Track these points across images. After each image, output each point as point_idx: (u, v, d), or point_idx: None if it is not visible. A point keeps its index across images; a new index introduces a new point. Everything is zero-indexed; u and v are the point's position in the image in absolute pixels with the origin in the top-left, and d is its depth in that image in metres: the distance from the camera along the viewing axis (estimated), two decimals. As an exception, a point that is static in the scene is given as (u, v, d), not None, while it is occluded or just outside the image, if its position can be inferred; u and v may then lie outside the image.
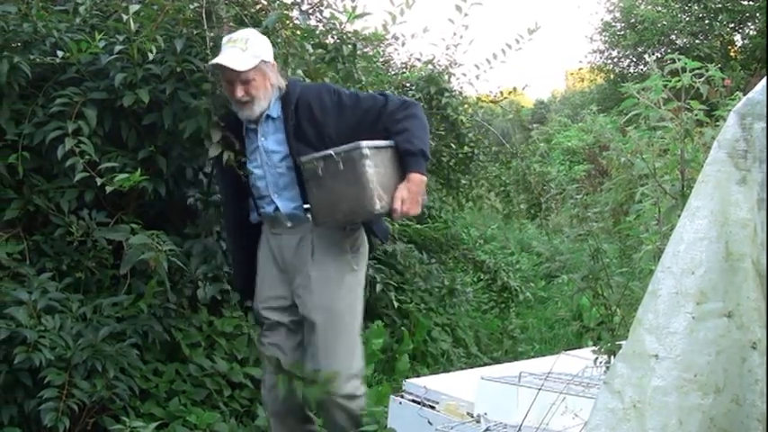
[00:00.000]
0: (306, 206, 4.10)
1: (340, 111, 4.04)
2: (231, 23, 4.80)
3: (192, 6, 4.66)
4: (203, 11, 4.60)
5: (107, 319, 4.53)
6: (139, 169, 4.22)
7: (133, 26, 4.44)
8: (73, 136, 4.34)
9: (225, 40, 4.11)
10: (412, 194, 3.91)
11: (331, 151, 3.87)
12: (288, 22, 5.37)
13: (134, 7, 4.49)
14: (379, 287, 6.31)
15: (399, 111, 4.00)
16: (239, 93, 4.02)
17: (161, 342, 4.82)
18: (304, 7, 5.67)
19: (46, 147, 4.46)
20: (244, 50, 3.99)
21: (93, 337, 4.38)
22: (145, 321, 4.61)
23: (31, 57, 4.53)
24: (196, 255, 4.92)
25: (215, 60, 4.02)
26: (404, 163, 3.95)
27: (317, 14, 5.79)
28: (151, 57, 4.42)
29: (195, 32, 4.66)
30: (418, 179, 3.93)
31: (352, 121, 4.03)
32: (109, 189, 4.18)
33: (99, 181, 4.22)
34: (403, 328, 6.84)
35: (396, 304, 6.66)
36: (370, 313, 6.74)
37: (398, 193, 3.88)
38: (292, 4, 5.56)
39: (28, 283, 4.47)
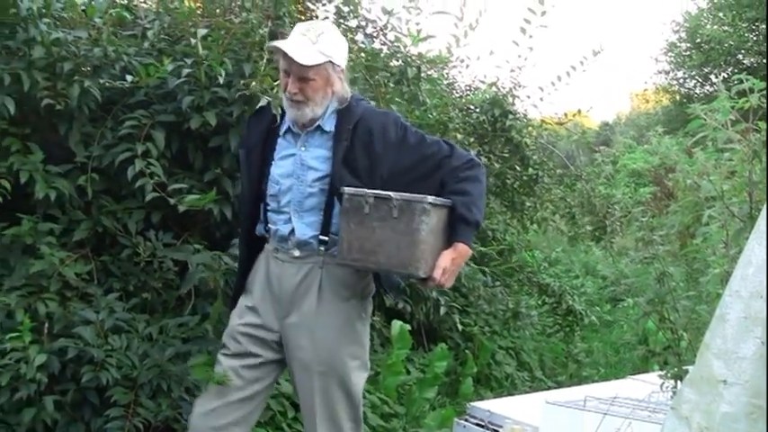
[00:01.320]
0: (323, 237, 3.62)
1: (401, 148, 3.56)
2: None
3: (259, 30, 4.70)
4: (270, 33, 4.64)
5: (173, 339, 4.56)
6: (214, 190, 4.27)
7: (201, 50, 4.50)
8: (142, 158, 4.41)
9: (297, 26, 3.64)
10: (455, 266, 3.46)
11: (392, 194, 3.36)
12: (353, 45, 5.40)
13: (202, 31, 4.56)
14: (443, 310, 6.29)
15: (463, 168, 3.54)
16: (293, 88, 3.53)
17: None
18: (368, 30, 5.68)
19: (115, 168, 4.52)
20: (314, 43, 3.49)
21: (159, 356, 4.41)
22: (210, 342, 4.63)
23: (101, 80, 4.60)
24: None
25: (276, 43, 3.59)
26: (455, 229, 3.47)
27: (382, 38, 5.80)
28: (220, 80, 4.46)
29: (263, 56, 4.70)
30: (465, 252, 3.49)
31: (408, 163, 3.56)
32: (182, 209, 4.24)
33: (172, 201, 4.28)
34: (467, 351, 6.82)
35: (460, 327, 6.64)
36: (434, 336, 6.73)
37: (442, 262, 3.41)
38: (357, 27, 5.59)
39: (95, 303, 4.54)
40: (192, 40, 4.55)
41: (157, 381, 4.37)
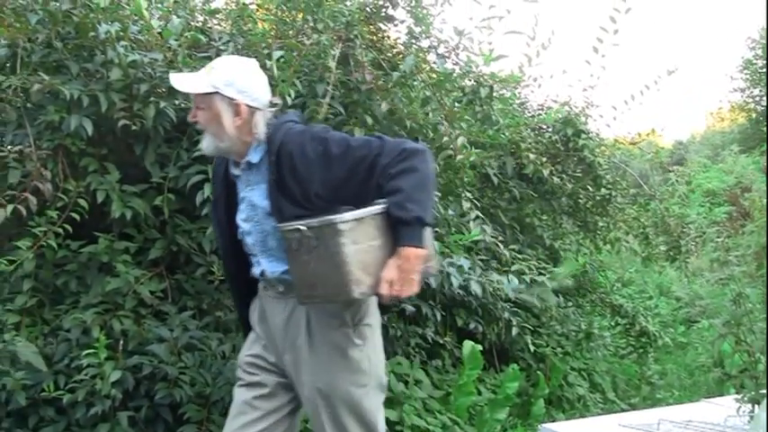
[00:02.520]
0: None
1: (326, 163, 3.24)
2: (369, 67, 4.88)
3: (331, 52, 4.73)
4: (344, 55, 4.68)
5: (245, 357, 4.59)
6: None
7: (276, 72, 4.54)
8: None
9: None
10: (403, 274, 3.11)
11: (300, 225, 3.13)
12: (424, 65, 5.42)
13: (277, 53, 4.61)
14: (514, 330, 6.25)
15: (394, 163, 3.15)
16: (191, 115, 3.43)
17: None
18: (440, 50, 5.69)
19: (189, 189, 4.58)
20: (207, 74, 3.36)
21: (232, 375, 4.44)
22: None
23: (176, 102, 4.70)
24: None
25: (171, 77, 3.51)
26: (397, 233, 3.14)
27: (454, 57, 5.80)
28: (290, 101, 4.50)
29: (336, 76, 4.74)
30: (412, 255, 3.11)
31: (341, 174, 3.21)
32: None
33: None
34: (539, 372, 6.76)
35: (532, 348, 6.58)
36: (505, 356, 6.70)
37: (386, 274, 3.11)
38: (429, 47, 5.61)
39: (169, 320, 4.62)
40: (267, 62, 4.60)
41: (230, 398, 4.39)
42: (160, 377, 4.35)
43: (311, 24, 5.03)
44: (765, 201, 5.52)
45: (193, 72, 3.44)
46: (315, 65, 4.83)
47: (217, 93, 3.32)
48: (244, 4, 5.40)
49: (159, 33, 4.85)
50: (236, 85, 3.33)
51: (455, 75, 5.73)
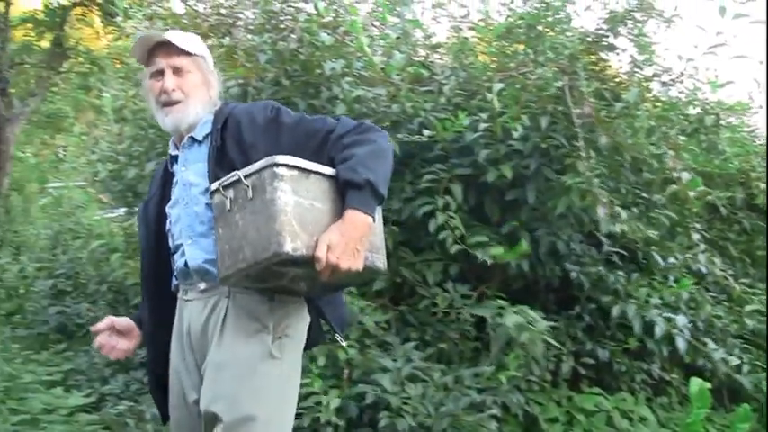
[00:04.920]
0: None
1: (274, 130, 2.88)
2: (592, 99, 4.81)
3: (554, 84, 4.70)
4: (566, 87, 4.64)
5: (468, 389, 4.59)
6: (523, 241, 4.31)
7: (497, 104, 4.55)
8: (442, 211, 4.50)
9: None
10: (346, 240, 2.61)
11: (238, 173, 2.70)
12: (648, 95, 5.30)
13: (498, 86, 4.62)
14: (746, 368, 5.99)
15: (350, 134, 2.81)
16: (169, 82, 2.96)
17: (520, 415, 4.82)
18: (664, 79, 5.54)
19: (414, 221, 4.65)
20: (183, 37, 3.03)
21: (454, 406, 4.45)
22: (505, 393, 4.62)
23: (399, 135, 4.78)
24: (560, 328, 4.91)
25: (141, 35, 3.04)
26: (345, 199, 2.69)
27: (678, 85, 5.64)
28: (516, 134, 4.50)
29: (558, 109, 4.70)
30: (358, 220, 2.65)
31: (288, 144, 2.82)
32: (482, 258, 4.29)
33: (479, 256, 4.36)
34: (774, 413, 6.44)
35: (766, 387, 6.28)
36: (736, 395, 6.42)
37: (325, 236, 2.60)
38: (653, 75, 5.48)
39: (393, 351, 4.67)
40: (488, 95, 4.62)
41: (452, 430, 4.41)
42: (383, 406, 4.39)
43: (532, 57, 5.01)
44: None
45: (170, 33, 3.02)
46: (538, 97, 4.80)
47: (202, 57, 3.05)
48: (465, 38, 5.44)
49: (382, 69, 4.95)
50: (208, 58, 3.11)
51: (680, 103, 5.57)
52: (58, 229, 8.89)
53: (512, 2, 5.45)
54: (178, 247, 2.98)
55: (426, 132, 4.70)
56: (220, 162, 2.86)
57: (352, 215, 2.64)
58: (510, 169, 4.59)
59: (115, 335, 3.14)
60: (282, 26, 5.26)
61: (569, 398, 5.18)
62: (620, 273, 5.17)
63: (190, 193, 2.95)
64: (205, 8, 5.93)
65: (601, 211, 4.47)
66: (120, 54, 7.77)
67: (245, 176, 2.66)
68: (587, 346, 5.10)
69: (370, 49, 4.92)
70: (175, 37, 2.98)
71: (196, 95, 2.99)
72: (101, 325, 3.12)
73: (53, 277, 7.50)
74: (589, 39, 5.24)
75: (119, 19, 6.23)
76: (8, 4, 15.31)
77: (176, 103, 2.96)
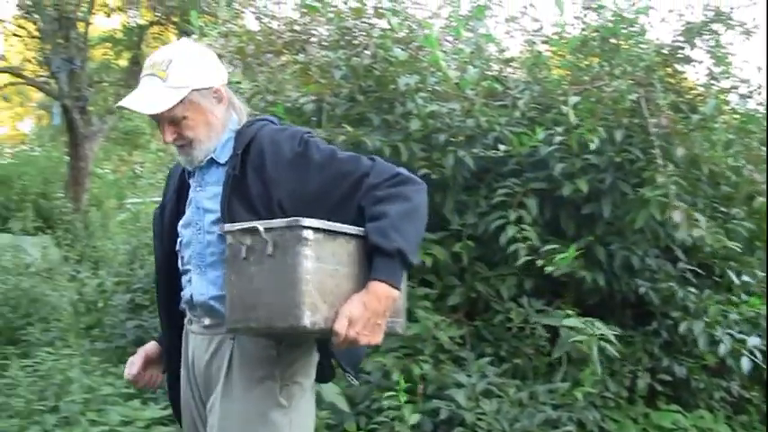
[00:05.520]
0: None
1: (302, 166, 2.64)
2: (669, 111, 4.76)
3: (630, 96, 4.66)
4: (642, 100, 4.59)
5: (543, 405, 4.56)
6: (572, 247, 4.28)
7: (572, 118, 4.53)
8: (515, 224, 4.49)
9: (145, 63, 2.82)
10: (368, 314, 2.44)
11: (258, 224, 2.48)
12: (726, 107, 5.23)
13: (573, 99, 4.60)
14: None
15: (384, 186, 2.57)
16: (168, 136, 2.73)
17: (596, 432, 4.78)
18: (742, 91, 5.46)
19: (488, 235, 4.64)
20: (164, 80, 2.69)
21: (529, 422, 4.43)
22: (580, 410, 4.58)
23: (474, 150, 4.79)
24: (636, 344, 4.85)
25: (122, 103, 2.78)
26: (372, 264, 2.50)
27: (757, 96, 5.55)
28: (592, 147, 4.47)
29: (634, 122, 4.66)
30: (384, 293, 2.46)
31: (315, 186, 2.61)
32: (552, 271, 4.30)
33: (539, 262, 4.34)
34: None
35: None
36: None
37: (346, 308, 2.42)
38: (731, 88, 5.40)
39: (467, 366, 4.66)
40: (563, 108, 4.60)
41: (530, 447, 4.39)
42: (458, 422, 4.38)
43: (607, 69, 4.98)
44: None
45: (149, 88, 2.73)
46: (613, 110, 4.76)
47: (191, 91, 2.70)
48: (538, 51, 5.42)
49: (456, 84, 4.96)
50: (200, 69, 2.75)
51: (759, 115, 5.48)
52: (135, 243, 9.00)
53: (585, 15, 5.42)
54: (186, 271, 2.82)
55: (501, 147, 4.69)
56: (238, 192, 2.67)
57: (377, 288, 2.46)
58: (585, 183, 4.56)
59: (150, 366, 2.99)
60: (356, 42, 5.29)
61: (646, 415, 5.11)
62: (692, 289, 5.08)
63: (203, 219, 2.77)
64: (279, 25, 5.99)
65: (678, 216, 4.40)
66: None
67: (266, 230, 2.45)
68: (664, 363, 5.03)
69: (444, 64, 4.93)
70: (156, 102, 2.67)
71: (199, 134, 2.73)
72: (134, 368, 2.95)
73: (131, 291, 7.58)
74: (665, 51, 5.19)
75: (194, 37, 6.33)
76: (87, 24, 15.67)
77: (183, 146, 2.74)
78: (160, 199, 3.07)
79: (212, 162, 2.77)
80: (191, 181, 2.84)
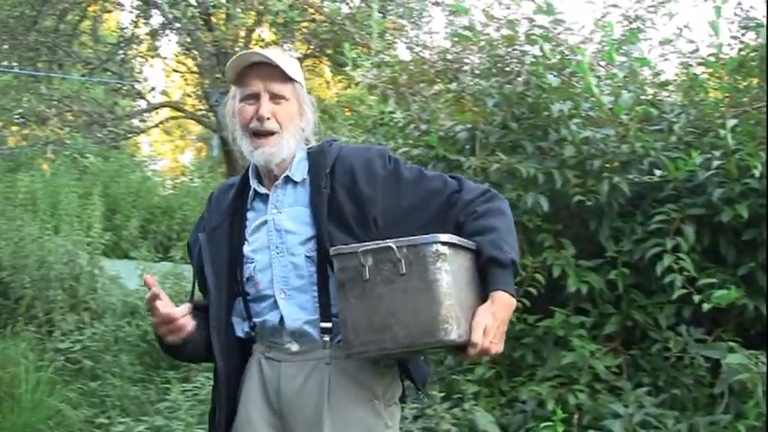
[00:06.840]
0: (324, 324, 2.65)
1: (394, 184, 2.66)
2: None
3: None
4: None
5: (703, 438, 4.44)
6: (735, 286, 4.16)
7: (731, 141, 4.42)
8: (671, 252, 4.41)
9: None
10: (498, 323, 2.47)
11: (391, 243, 2.43)
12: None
13: (731, 122, 4.50)
14: None
15: (480, 202, 2.63)
16: (265, 109, 2.65)
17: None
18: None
19: (644, 263, 4.56)
20: (281, 63, 2.68)
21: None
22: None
23: (629, 176, 4.73)
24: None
25: (241, 53, 2.75)
26: (488, 276, 2.53)
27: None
28: (756, 173, 4.35)
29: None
30: (509, 302, 2.51)
31: (408, 204, 2.64)
32: (706, 307, 4.18)
33: (696, 298, 4.24)
34: None
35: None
36: None
37: (480, 319, 2.44)
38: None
39: (624, 396, 4.58)
40: (721, 132, 4.49)
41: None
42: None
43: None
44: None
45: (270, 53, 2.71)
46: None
47: (300, 84, 2.74)
48: (694, 74, 5.32)
49: (610, 109, 4.90)
50: (305, 86, 2.79)
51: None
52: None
53: (743, 34, 5.29)
54: (264, 297, 2.72)
55: (657, 172, 4.61)
56: (332, 212, 2.63)
57: (502, 297, 2.50)
58: (746, 208, 4.42)
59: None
60: (508, 69, 5.30)
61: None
62: None
63: (286, 241, 2.69)
64: (431, 54, 6.06)
65: None
66: (350, 102, 8.02)
67: (399, 248, 2.42)
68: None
69: (597, 90, 4.89)
70: (279, 57, 2.68)
71: (290, 127, 2.70)
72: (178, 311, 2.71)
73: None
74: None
75: (348, 68, 6.47)
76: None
77: (269, 134, 2.67)
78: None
79: (287, 181, 2.73)
80: (254, 207, 2.79)
